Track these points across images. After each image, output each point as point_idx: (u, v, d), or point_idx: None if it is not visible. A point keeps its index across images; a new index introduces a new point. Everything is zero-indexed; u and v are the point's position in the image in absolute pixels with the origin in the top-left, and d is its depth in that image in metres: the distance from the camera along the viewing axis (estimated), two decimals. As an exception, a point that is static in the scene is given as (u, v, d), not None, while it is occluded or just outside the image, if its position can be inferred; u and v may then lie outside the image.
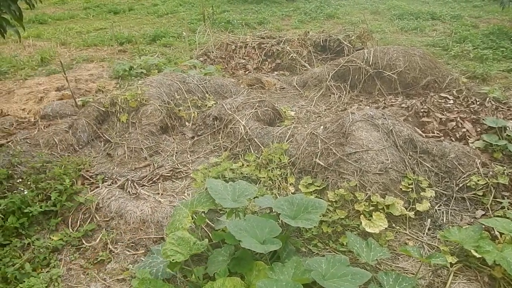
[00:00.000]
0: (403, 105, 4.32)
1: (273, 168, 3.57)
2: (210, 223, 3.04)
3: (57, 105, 5.02)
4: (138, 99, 4.39)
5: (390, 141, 3.42)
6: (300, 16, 10.84)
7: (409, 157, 3.39)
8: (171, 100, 4.67)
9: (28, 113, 4.99)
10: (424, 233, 3.00)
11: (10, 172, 3.55)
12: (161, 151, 4.17)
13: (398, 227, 3.01)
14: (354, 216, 3.04)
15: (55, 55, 7.71)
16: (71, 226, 3.18)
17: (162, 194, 3.49)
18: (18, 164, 3.68)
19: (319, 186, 3.30)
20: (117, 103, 4.48)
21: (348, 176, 3.22)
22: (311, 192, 3.25)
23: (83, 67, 6.98)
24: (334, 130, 3.63)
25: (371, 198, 3.05)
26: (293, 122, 4.55)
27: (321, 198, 3.18)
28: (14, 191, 3.34)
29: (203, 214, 2.89)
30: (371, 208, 3.00)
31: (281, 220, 2.66)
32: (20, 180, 3.38)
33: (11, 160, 3.69)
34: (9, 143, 4.18)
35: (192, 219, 2.68)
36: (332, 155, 3.41)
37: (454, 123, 4.11)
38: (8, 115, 4.95)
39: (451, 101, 4.66)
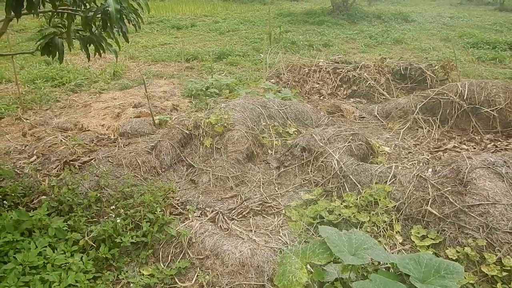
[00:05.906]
0: (519, 150, 3.90)
1: (377, 212, 3.25)
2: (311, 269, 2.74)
3: (135, 123, 4.94)
4: (224, 124, 4.20)
5: (518, 194, 3.03)
6: (365, 40, 10.53)
7: (540, 214, 2.97)
8: (255, 126, 4.46)
9: (107, 130, 4.92)
10: None
11: (98, 195, 3.42)
12: (247, 181, 3.94)
13: (539, 300, 2.59)
14: (481, 280, 2.66)
15: (126, 69, 7.77)
16: (161, 260, 2.98)
17: (255, 231, 3.24)
18: (105, 186, 3.56)
19: (434, 240, 2.94)
20: (200, 126, 4.32)
21: (471, 232, 2.85)
22: (426, 246, 2.90)
23: (154, 83, 6.96)
24: (447, 175, 3.27)
25: (503, 261, 2.66)
26: (384, 158, 4.23)
27: (437, 254, 2.85)
28: (105, 217, 3.20)
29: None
30: (504, 273, 2.61)
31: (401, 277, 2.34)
32: (114, 207, 3.23)
33: (98, 182, 3.57)
34: (92, 161, 4.09)
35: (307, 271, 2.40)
36: (449, 204, 3.05)
37: None
38: (88, 130, 4.90)
39: None
